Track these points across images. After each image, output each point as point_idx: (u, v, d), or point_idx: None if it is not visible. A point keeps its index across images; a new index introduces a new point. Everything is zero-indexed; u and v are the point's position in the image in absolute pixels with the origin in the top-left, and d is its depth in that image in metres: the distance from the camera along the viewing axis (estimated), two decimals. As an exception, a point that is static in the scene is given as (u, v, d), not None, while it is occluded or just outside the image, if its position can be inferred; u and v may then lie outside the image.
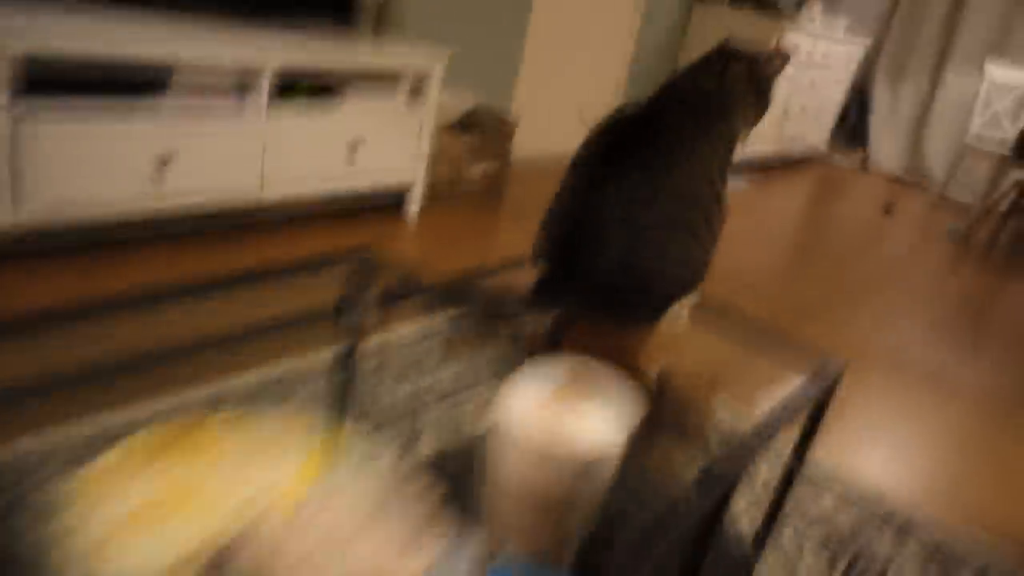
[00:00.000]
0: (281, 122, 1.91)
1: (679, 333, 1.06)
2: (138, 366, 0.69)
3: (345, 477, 0.47)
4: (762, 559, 1.22)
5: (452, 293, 0.94)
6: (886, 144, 5.39)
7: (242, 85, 1.87)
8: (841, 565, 1.24)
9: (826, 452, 1.59)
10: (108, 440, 1.14)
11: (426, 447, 1.30)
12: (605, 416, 0.47)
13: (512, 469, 0.47)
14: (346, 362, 0.89)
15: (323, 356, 1.50)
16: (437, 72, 2.25)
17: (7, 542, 0.94)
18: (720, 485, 0.61)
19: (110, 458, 0.45)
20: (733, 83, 0.98)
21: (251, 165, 1.88)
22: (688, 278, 0.97)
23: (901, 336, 2.36)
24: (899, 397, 1.93)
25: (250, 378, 1.38)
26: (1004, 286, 3.20)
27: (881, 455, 1.63)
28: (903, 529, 1.36)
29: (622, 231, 0.94)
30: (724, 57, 0.97)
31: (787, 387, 1.82)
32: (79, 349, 0.63)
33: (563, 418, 0.46)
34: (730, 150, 1.00)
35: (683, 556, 0.54)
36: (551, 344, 1.15)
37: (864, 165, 5.39)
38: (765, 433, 0.77)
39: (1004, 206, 3.92)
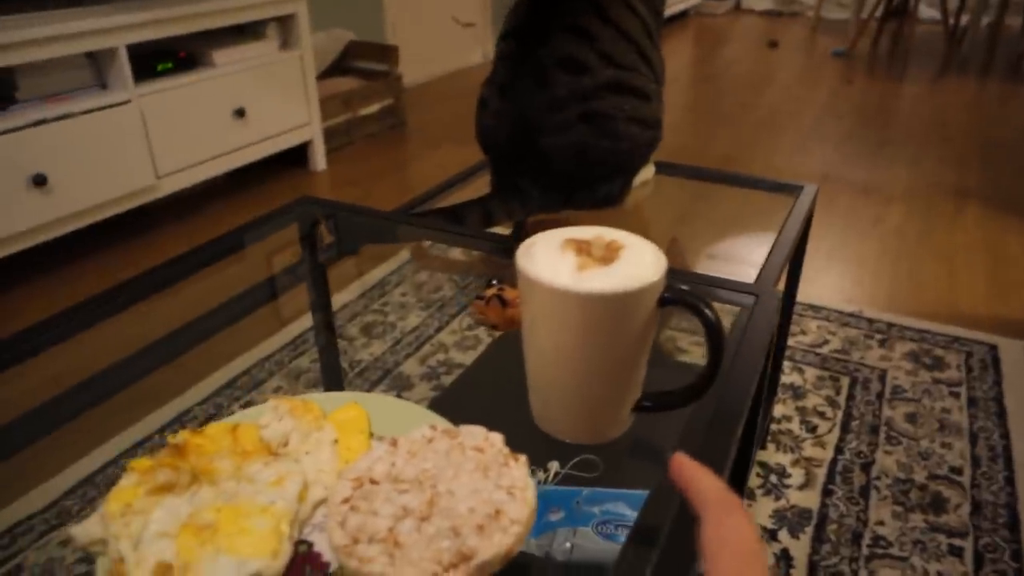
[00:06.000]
0: (156, 99, 1.73)
1: (643, 199, 1.03)
2: (100, 390, 0.61)
3: (388, 434, 0.42)
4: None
5: (410, 217, 0.86)
6: (753, -18, 5.40)
7: (100, 72, 1.67)
8: (844, 382, 1.27)
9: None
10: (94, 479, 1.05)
11: (421, 392, 1.25)
12: (639, 254, 0.43)
13: (547, 325, 0.43)
14: (325, 324, 0.82)
15: (287, 330, 1.41)
16: (302, 12, 2.08)
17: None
18: (766, 334, 0.58)
19: (125, 488, 0.38)
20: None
21: (138, 153, 1.71)
22: (647, 138, 0.92)
23: (824, 158, 2.41)
24: (843, 215, 1.98)
25: (219, 375, 1.28)
26: (895, 88, 3.30)
27: (845, 273, 1.68)
28: (886, 338, 1.41)
29: (570, 109, 0.88)
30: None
31: (758, 223, 1.84)
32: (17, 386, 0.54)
33: (596, 259, 0.42)
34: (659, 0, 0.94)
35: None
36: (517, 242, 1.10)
37: (738, 8, 5.41)
38: (775, 277, 0.75)
39: (878, 13, 4.01)
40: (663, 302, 0.44)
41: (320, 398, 0.47)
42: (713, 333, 0.43)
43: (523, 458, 0.39)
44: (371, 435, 0.44)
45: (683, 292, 0.44)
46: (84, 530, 0.35)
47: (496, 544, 0.33)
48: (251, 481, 0.38)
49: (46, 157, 1.53)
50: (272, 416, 0.44)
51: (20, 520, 1.00)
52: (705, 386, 0.46)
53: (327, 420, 0.44)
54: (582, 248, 0.44)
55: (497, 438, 0.41)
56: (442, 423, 0.44)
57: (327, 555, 0.37)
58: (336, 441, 0.42)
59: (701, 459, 0.44)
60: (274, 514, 0.36)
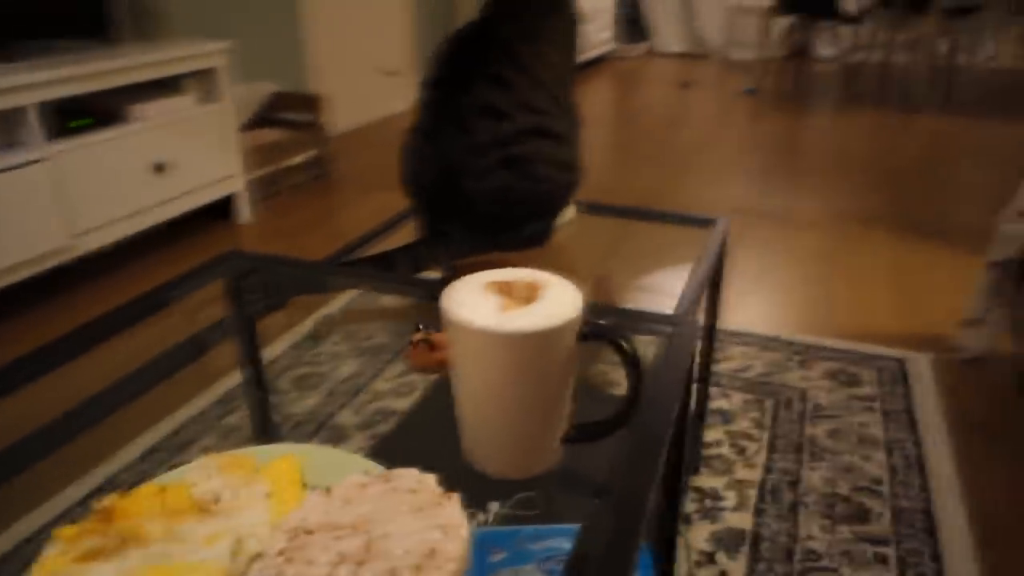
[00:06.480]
0: (71, 157, 1.69)
1: (568, 238, 1.06)
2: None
3: (323, 484, 0.42)
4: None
5: (339, 267, 0.87)
6: (665, 28, 5.66)
7: (9, 131, 1.62)
8: (768, 404, 1.33)
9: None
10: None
11: (360, 441, 1.24)
12: (559, 293, 0.46)
13: (474, 365, 0.45)
14: (256, 379, 0.81)
15: (219, 385, 1.38)
16: (222, 66, 2.08)
17: None
18: (686, 360, 0.61)
19: (49, 559, 0.37)
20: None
21: (53, 211, 1.66)
22: (567, 180, 0.96)
23: (740, 190, 2.52)
24: (761, 244, 2.07)
25: (145, 438, 1.24)
26: (800, 122, 3.50)
27: (764, 299, 1.75)
28: (805, 359, 1.48)
29: (491, 154, 0.91)
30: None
31: (675, 255, 1.90)
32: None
33: (517, 300, 0.45)
34: (569, 49, 0.99)
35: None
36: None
37: (650, 52, 5.65)
38: (692, 305, 0.78)
39: (782, 53, 4.27)
40: (583, 337, 0.46)
41: (252, 452, 0.47)
42: (629, 363, 0.45)
43: (456, 496, 0.40)
44: (305, 486, 0.44)
45: (600, 327, 0.46)
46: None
47: (432, 582, 0.34)
48: (183, 541, 0.38)
49: (-48, 221, 1.47)
50: (202, 474, 0.44)
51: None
52: (629, 414, 0.48)
53: (260, 474, 0.44)
54: (503, 290, 0.46)
55: (430, 479, 0.42)
56: (376, 469, 0.45)
57: (264, 609, 0.37)
58: (270, 494, 0.42)
59: (629, 486, 0.46)
60: (207, 572, 0.36)
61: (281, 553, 0.36)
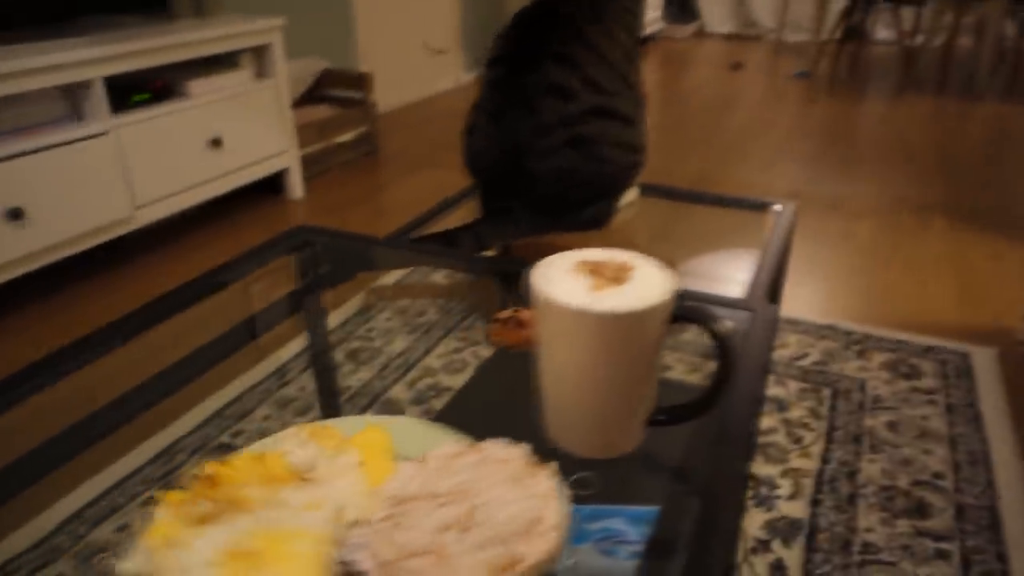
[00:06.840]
0: (132, 130, 1.73)
1: (630, 220, 1.05)
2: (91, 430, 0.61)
3: (410, 454, 0.43)
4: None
5: (406, 243, 0.88)
6: (714, 8, 5.55)
7: (76, 104, 1.66)
8: (826, 394, 1.31)
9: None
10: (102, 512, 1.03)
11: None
12: (649, 274, 0.46)
13: (563, 345, 0.44)
14: (322, 351, 0.82)
15: (280, 355, 1.41)
16: (277, 42, 2.10)
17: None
18: (765, 346, 0.60)
19: (163, 521, 0.38)
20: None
21: (115, 184, 1.70)
22: (631, 161, 0.95)
23: (793, 175, 2.47)
24: (815, 231, 2.03)
25: (206, 406, 1.27)
26: (856, 107, 3.40)
27: (819, 287, 1.72)
28: (862, 349, 1.45)
29: (557, 134, 0.90)
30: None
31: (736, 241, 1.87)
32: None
33: (609, 280, 0.45)
34: (635, 27, 0.97)
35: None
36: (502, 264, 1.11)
37: (699, 32, 5.55)
38: (765, 292, 0.77)
39: (837, 35, 4.15)
40: (674, 318, 0.46)
41: (336, 423, 0.48)
42: (724, 346, 0.45)
43: (550, 466, 0.41)
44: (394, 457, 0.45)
45: (691, 309, 0.46)
46: (130, 566, 0.35)
47: (541, 548, 0.34)
48: (284, 507, 0.39)
49: (23, 190, 1.51)
50: (295, 443, 0.45)
51: (6, 560, 0.97)
52: (716, 398, 0.47)
53: (350, 444, 0.45)
54: (595, 270, 0.46)
55: (521, 449, 0.42)
56: (463, 439, 0.45)
57: (373, 574, 0.37)
58: (361, 463, 0.43)
59: (716, 472, 0.46)
60: (314, 537, 0.36)
61: (387, 519, 0.37)
